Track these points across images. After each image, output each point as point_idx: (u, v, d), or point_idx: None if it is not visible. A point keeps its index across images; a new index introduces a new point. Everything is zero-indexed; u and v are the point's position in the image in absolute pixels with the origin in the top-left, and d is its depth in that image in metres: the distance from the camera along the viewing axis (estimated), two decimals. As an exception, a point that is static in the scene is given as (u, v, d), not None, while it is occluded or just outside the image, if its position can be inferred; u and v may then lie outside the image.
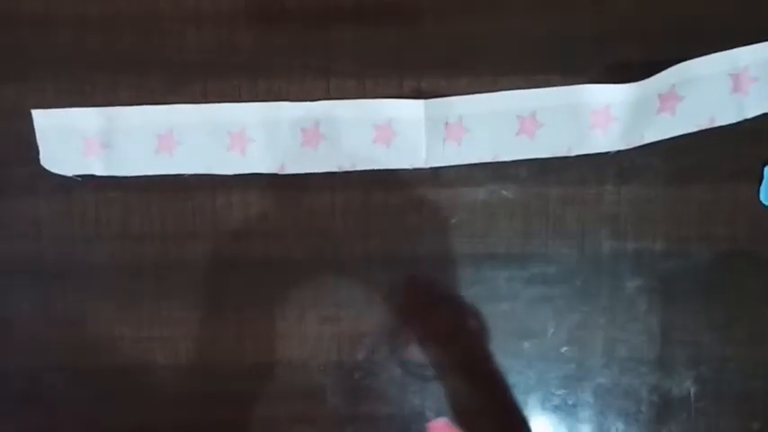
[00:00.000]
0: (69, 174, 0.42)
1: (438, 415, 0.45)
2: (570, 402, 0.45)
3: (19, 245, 0.43)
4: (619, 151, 0.41)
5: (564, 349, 0.44)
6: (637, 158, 0.42)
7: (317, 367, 0.45)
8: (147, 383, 0.45)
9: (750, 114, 0.41)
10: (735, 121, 0.41)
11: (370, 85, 0.42)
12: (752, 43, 0.40)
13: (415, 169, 0.42)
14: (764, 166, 0.42)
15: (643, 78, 0.40)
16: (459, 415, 0.45)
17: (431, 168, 0.42)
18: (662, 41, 0.41)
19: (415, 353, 0.44)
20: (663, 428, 0.45)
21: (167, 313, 0.44)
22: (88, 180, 0.42)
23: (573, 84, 0.41)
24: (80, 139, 0.42)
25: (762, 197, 0.42)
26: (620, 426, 0.45)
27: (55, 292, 0.44)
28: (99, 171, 0.42)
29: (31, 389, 0.45)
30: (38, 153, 0.42)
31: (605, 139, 0.41)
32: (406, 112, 0.41)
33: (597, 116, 0.41)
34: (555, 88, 0.41)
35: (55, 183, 0.42)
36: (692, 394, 0.44)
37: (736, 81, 0.40)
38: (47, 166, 0.42)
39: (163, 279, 0.44)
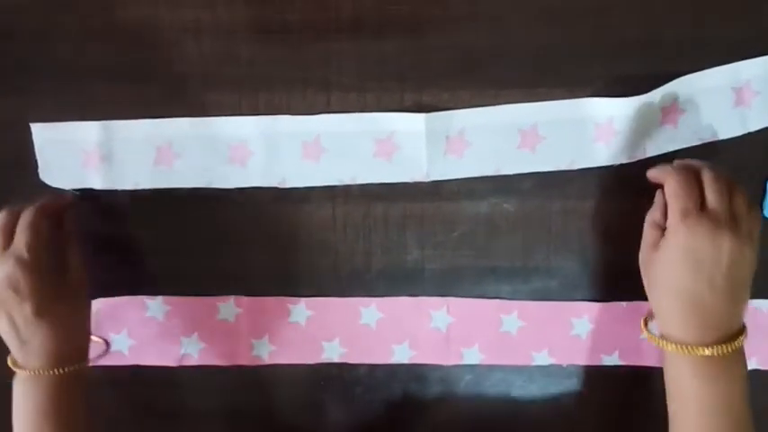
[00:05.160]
0: (68, 187, 0.42)
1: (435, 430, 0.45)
2: (573, 416, 0.44)
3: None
4: (621, 164, 0.41)
5: (566, 363, 0.44)
6: (639, 172, 0.42)
7: (318, 381, 0.44)
8: (146, 395, 0.45)
9: (753, 128, 0.41)
10: (738, 135, 0.41)
11: (372, 98, 0.41)
12: (754, 57, 0.40)
13: (416, 183, 0.42)
14: (767, 179, 0.42)
15: (646, 92, 0.40)
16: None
17: (432, 182, 0.42)
18: (664, 55, 0.41)
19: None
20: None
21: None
22: (87, 193, 0.42)
23: (575, 97, 0.41)
24: (79, 153, 0.41)
25: (765, 210, 0.42)
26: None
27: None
28: (98, 184, 0.42)
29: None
30: (36, 166, 0.41)
31: (608, 153, 0.41)
32: (408, 125, 0.41)
33: (600, 129, 0.41)
34: (557, 102, 0.41)
35: (53, 196, 0.42)
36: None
37: (739, 95, 0.40)
38: (45, 180, 0.42)
39: (161, 293, 0.43)
